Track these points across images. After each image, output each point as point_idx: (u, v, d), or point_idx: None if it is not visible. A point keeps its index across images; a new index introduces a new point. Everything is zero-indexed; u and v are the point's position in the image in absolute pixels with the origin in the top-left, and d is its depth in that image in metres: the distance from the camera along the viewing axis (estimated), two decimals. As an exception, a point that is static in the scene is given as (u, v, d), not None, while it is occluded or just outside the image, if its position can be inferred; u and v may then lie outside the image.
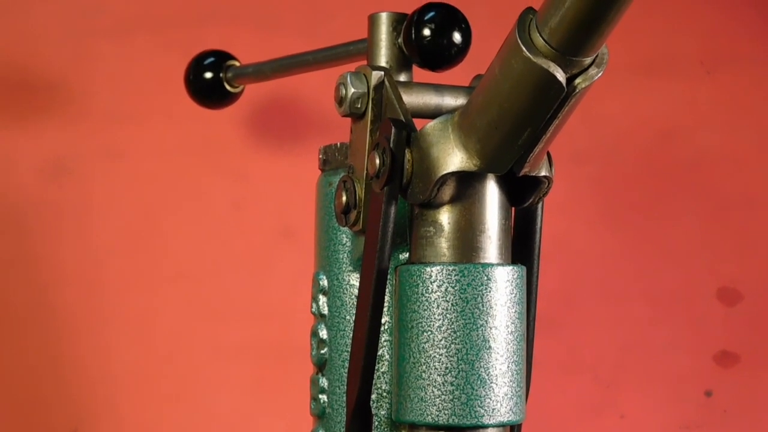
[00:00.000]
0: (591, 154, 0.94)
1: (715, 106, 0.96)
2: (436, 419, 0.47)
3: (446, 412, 0.47)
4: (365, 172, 0.50)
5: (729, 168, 0.96)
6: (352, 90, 0.51)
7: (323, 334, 0.53)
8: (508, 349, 0.47)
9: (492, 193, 0.48)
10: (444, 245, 0.48)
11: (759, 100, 0.97)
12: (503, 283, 0.47)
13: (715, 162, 0.96)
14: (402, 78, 0.53)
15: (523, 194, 0.50)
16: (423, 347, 0.47)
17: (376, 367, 0.50)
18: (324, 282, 0.54)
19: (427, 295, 0.47)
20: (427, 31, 0.51)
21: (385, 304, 0.50)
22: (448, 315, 0.47)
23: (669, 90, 0.95)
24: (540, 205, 0.52)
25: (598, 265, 0.94)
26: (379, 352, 0.50)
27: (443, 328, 0.47)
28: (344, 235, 0.53)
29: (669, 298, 0.94)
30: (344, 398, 0.50)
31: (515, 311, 0.48)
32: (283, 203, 0.87)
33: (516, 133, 0.45)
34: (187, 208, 0.86)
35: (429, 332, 0.47)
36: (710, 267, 0.95)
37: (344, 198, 0.51)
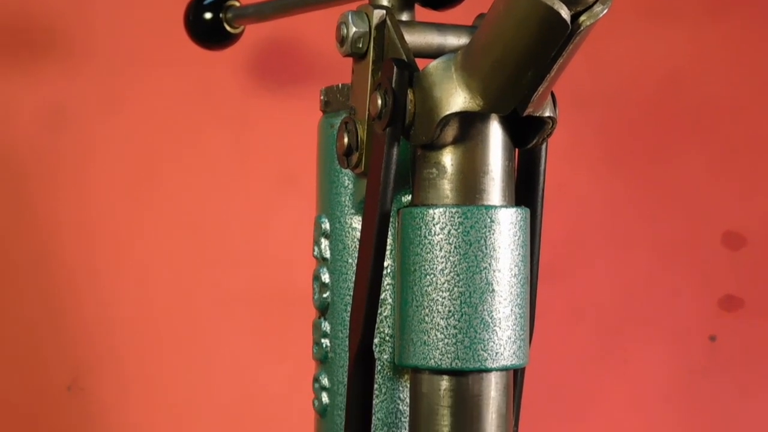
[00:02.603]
0: (595, 99, 0.93)
1: (720, 51, 0.96)
2: (439, 363, 0.46)
3: (449, 355, 0.46)
4: (367, 113, 0.49)
5: (733, 113, 0.95)
6: (354, 29, 0.50)
7: (325, 277, 0.53)
8: (511, 293, 0.47)
9: (495, 133, 0.48)
10: (447, 187, 0.47)
11: (764, 45, 0.96)
12: (507, 226, 0.47)
13: (720, 107, 0.95)
14: (404, 17, 0.52)
15: (526, 135, 0.49)
16: (426, 290, 0.47)
17: (379, 311, 0.50)
18: (326, 225, 0.53)
19: (429, 237, 0.47)
20: None
21: (388, 248, 0.49)
22: (451, 258, 0.46)
23: (674, 35, 0.94)
24: (544, 147, 0.51)
25: (602, 211, 0.93)
26: (382, 296, 0.50)
27: (446, 271, 0.46)
28: (346, 178, 0.52)
29: (673, 243, 0.94)
30: (347, 342, 0.50)
31: (519, 254, 0.47)
32: (284, 146, 0.86)
33: (520, 72, 0.44)
34: (187, 153, 0.86)
35: (432, 275, 0.47)
36: (715, 212, 0.94)
37: (346, 140, 0.50)
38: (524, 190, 0.51)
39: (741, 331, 0.94)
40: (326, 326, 0.53)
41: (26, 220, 0.84)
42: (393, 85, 0.47)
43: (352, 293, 0.50)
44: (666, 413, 0.94)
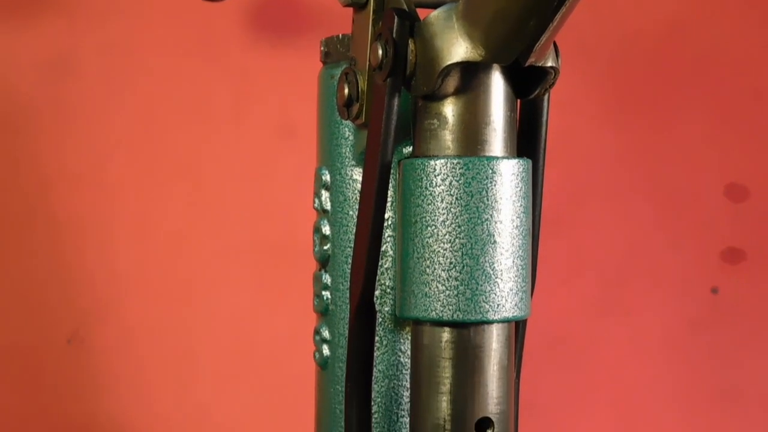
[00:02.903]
0: (598, 49, 0.92)
1: (724, 0, 0.95)
2: (441, 315, 0.46)
3: (450, 307, 0.46)
4: (368, 63, 0.49)
5: (737, 64, 0.95)
6: (354, -22, 0.49)
7: (326, 229, 0.52)
8: (513, 244, 0.47)
9: (497, 84, 0.47)
10: (448, 138, 0.47)
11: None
12: (508, 177, 0.47)
13: (725, 57, 0.94)
14: (405, -34, 0.52)
15: (528, 86, 0.49)
16: (427, 242, 0.46)
17: (380, 263, 0.50)
18: (326, 177, 0.53)
19: (431, 189, 0.46)
20: None
21: (389, 200, 0.49)
22: (452, 209, 0.46)
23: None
24: (546, 97, 0.51)
25: (604, 162, 0.93)
26: (383, 248, 0.50)
27: (447, 223, 0.46)
28: (347, 129, 0.52)
29: (676, 195, 0.94)
30: (347, 294, 0.50)
31: (520, 205, 0.47)
32: (284, 98, 0.86)
33: (522, 21, 0.44)
34: (187, 106, 0.85)
35: (433, 227, 0.46)
36: (718, 163, 0.94)
37: (346, 91, 0.50)
38: (526, 141, 0.51)
39: (743, 283, 0.94)
40: (327, 278, 0.52)
41: (28, 170, 0.84)
42: (394, 36, 0.46)
43: (352, 245, 0.49)
44: (667, 364, 0.94)
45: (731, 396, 0.94)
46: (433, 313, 0.46)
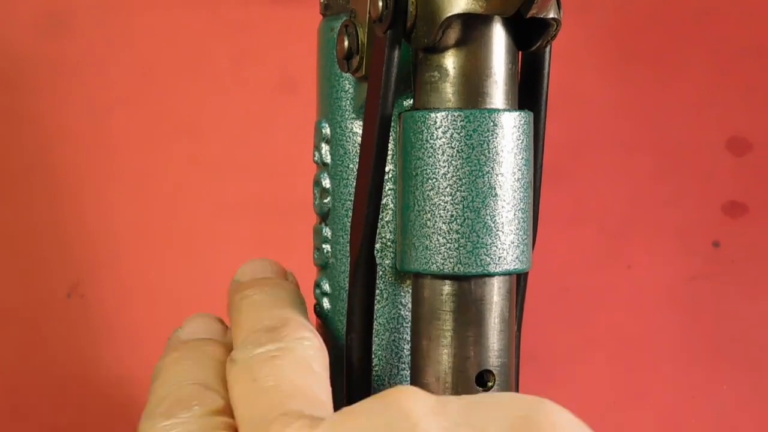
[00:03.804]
0: (600, 2, 0.92)
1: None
2: (441, 268, 0.46)
3: (451, 260, 0.46)
4: (368, 15, 0.49)
5: (740, 16, 0.94)
6: (353, -71, 0.49)
7: (326, 183, 0.52)
8: (514, 197, 0.47)
9: (498, 36, 0.47)
10: (449, 90, 0.47)
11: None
12: (510, 129, 0.46)
13: (727, 10, 0.94)
14: None
15: (530, 38, 0.48)
16: (428, 195, 0.46)
17: (381, 216, 0.50)
18: (326, 130, 0.53)
19: (431, 141, 0.46)
20: None
21: (389, 153, 0.49)
22: (453, 162, 0.46)
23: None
24: (548, 50, 0.50)
25: (606, 115, 0.93)
26: (384, 201, 0.50)
27: (448, 175, 0.46)
28: (347, 82, 0.52)
29: (677, 148, 0.93)
30: (348, 248, 0.50)
31: (522, 158, 0.47)
32: (283, 51, 0.85)
33: (524, -28, 0.43)
34: (184, 60, 0.85)
35: (434, 179, 0.46)
36: (720, 116, 0.94)
37: (346, 43, 0.50)
38: (528, 93, 0.51)
39: (745, 236, 0.94)
40: (327, 232, 0.52)
41: (26, 130, 0.84)
42: (394, -13, 0.46)
43: (353, 198, 0.49)
44: (668, 318, 0.94)
45: (731, 349, 0.94)
46: (434, 266, 0.46)
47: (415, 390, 0.38)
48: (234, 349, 0.46)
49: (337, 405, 0.42)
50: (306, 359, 0.44)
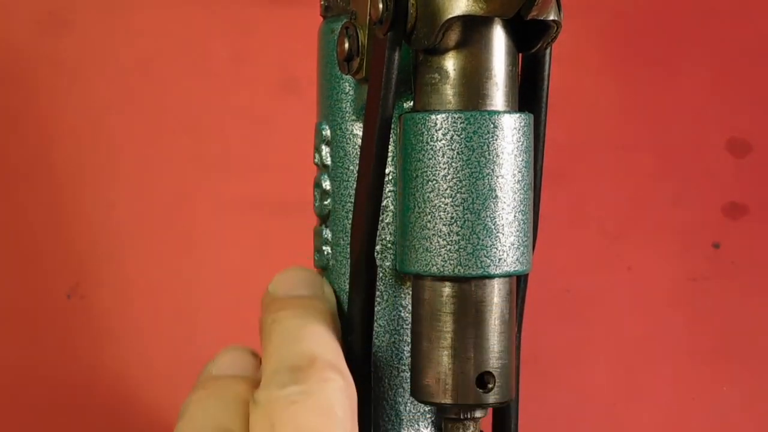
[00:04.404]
0: (601, 2, 0.92)
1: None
2: (442, 269, 0.46)
3: (452, 262, 0.46)
4: (368, 17, 0.49)
5: (740, 17, 0.94)
6: (354, -70, 0.49)
7: (326, 184, 0.52)
8: (514, 199, 0.47)
9: (499, 37, 0.47)
10: (449, 92, 0.47)
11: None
12: (510, 131, 0.46)
13: (727, 11, 0.94)
14: None
15: (530, 39, 0.48)
16: (428, 197, 0.46)
17: (381, 218, 0.50)
18: (327, 132, 0.52)
19: (432, 143, 0.46)
20: None
21: (390, 155, 0.49)
22: (453, 164, 0.46)
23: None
24: (548, 51, 0.50)
25: (606, 116, 0.93)
26: (384, 203, 0.49)
27: (448, 177, 0.46)
28: (347, 84, 0.52)
29: (677, 149, 0.93)
30: (348, 250, 0.50)
31: (522, 160, 0.47)
32: (284, 53, 0.85)
33: (524, -26, 0.43)
34: (186, 59, 0.85)
35: (434, 181, 0.46)
36: (720, 118, 0.94)
37: (347, 45, 0.50)
38: (528, 95, 0.51)
39: (745, 238, 0.94)
40: (327, 233, 0.52)
41: (26, 127, 0.84)
42: (394, -11, 0.46)
43: (353, 200, 0.49)
44: (669, 319, 0.94)
45: (732, 350, 0.94)
46: (434, 267, 0.46)
47: None
48: (259, 387, 0.45)
49: None
50: (329, 403, 0.43)
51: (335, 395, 0.43)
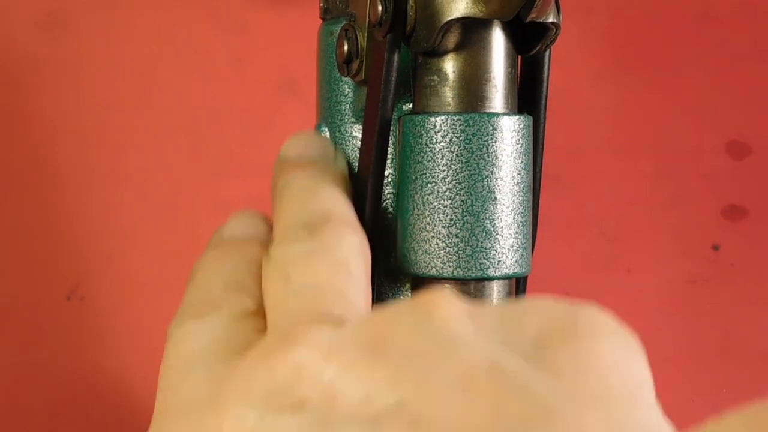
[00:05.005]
0: (600, 4, 0.92)
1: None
2: (441, 271, 0.46)
3: (451, 264, 0.46)
4: (367, 19, 0.49)
5: (739, 19, 0.94)
6: (353, -68, 0.49)
7: (326, 186, 0.52)
8: (513, 201, 0.47)
9: (498, 40, 0.47)
10: (449, 94, 0.47)
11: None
12: (509, 133, 0.46)
13: (727, 13, 0.94)
14: None
15: (529, 42, 0.48)
16: (427, 199, 0.46)
17: (380, 220, 0.50)
18: (326, 134, 0.53)
19: (431, 145, 0.46)
20: None
21: (389, 157, 0.49)
22: (452, 166, 0.46)
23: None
24: (547, 54, 0.51)
25: (605, 119, 0.93)
26: (383, 205, 0.50)
27: (448, 180, 0.46)
28: (346, 86, 0.52)
29: (677, 152, 0.93)
30: (348, 251, 0.50)
31: (521, 162, 0.47)
32: (283, 55, 0.85)
33: (523, -24, 0.44)
34: (185, 61, 0.85)
35: (433, 184, 0.46)
36: (719, 120, 0.94)
37: (346, 47, 0.50)
38: (527, 97, 0.51)
39: (744, 240, 0.94)
40: (327, 235, 0.52)
41: (24, 128, 0.84)
42: (393, -10, 0.46)
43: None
44: (668, 321, 0.94)
45: (731, 352, 0.94)
46: (433, 269, 0.46)
47: (450, 296, 0.35)
48: (272, 244, 0.43)
49: None
50: (344, 259, 0.41)
51: (351, 251, 0.42)
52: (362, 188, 0.48)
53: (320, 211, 0.44)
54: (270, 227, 0.48)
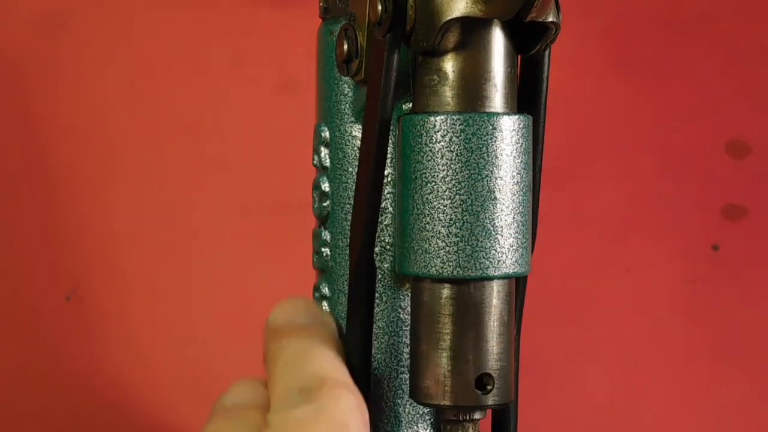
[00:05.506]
0: (599, 4, 0.92)
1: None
2: (441, 271, 0.46)
3: (450, 263, 0.46)
4: (367, 19, 0.49)
5: (740, 19, 0.94)
6: (353, -68, 0.49)
7: (325, 186, 0.52)
8: (513, 200, 0.46)
9: (498, 39, 0.47)
10: (448, 94, 0.47)
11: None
12: (509, 133, 0.46)
13: (727, 13, 0.94)
14: None
15: (529, 41, 0.48)
16: (427, 198, 0.46)
17: (380, 220, 0.50)
18: (326, 134, 0.52)
19: (431, 145, 0.46)
20: None
21: (389, 156, 0.49)
22: (452, 165, 0.46)
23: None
24: (547, 53, 0.50)
25: (605, 118, 0.93)
26: (383, 205, 0.49)
27: (447, 179, 0.46)
28: (346, 86, 0.52)
29: (677, 151, 0.93)
30: (347, 251, 0.50)
31: (521, 161, 0.47)
32: (283, 55, 0.85)
33: (523, -25, 0.43)
34: (185, 61, 0.85)
35: (433, 183, 0.46)
36: (719, 120, 0.94)
37: (346, 47, 0.50)
38: (527, 97, 0.51)
39: (744, 240, 0.94)
40: (326, 235, 0.52)
41: (25, 129, 0.84)
42: (393, -10, 0.46)
43: (352, 202, 0.49)
44: (668, 321, 0.94)
45: (731, 351, 0.94)
46: (433, 269, 0.46)
47: None
48: (270, 411, 0.45)
49: None
50: (342, 420, 0.43)
51: (348, 411, 0.43)
52: (362, 189, 0.48)
53: (314, 374, 0.45)
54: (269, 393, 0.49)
